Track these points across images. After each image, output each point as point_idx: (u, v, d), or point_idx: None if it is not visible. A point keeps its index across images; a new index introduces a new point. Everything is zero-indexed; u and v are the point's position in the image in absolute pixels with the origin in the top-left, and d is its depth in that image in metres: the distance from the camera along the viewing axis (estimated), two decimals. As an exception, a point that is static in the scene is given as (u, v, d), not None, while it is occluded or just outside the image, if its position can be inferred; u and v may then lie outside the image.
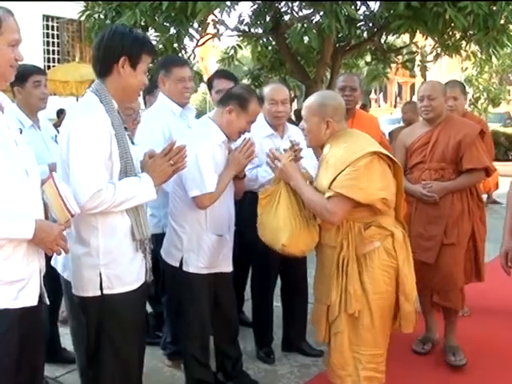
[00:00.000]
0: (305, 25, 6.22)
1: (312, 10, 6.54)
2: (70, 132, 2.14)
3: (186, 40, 6.70)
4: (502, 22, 5.87)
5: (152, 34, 6.39)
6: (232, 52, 7.90)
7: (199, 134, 2.87)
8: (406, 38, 7.75)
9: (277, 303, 3.71)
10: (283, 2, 7.04)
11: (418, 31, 5.97)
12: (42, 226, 1.90)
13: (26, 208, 1.89)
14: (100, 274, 2.21)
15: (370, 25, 7.25)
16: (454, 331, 3.52)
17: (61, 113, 9.91)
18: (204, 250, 2.86)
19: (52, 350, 3.26)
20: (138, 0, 5.85)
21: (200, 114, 4.32)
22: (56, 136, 3.25)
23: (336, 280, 2.53)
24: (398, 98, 31.69)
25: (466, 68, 14.37)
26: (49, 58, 15.23)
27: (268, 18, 7.19)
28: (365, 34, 7.47)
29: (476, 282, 3.61)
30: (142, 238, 2.28)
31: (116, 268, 2.23)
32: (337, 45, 7.43)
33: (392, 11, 6.06)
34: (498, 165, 4.55)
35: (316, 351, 3.57)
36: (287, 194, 2.62)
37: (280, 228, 2.57)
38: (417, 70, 8.87)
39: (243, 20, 7.35)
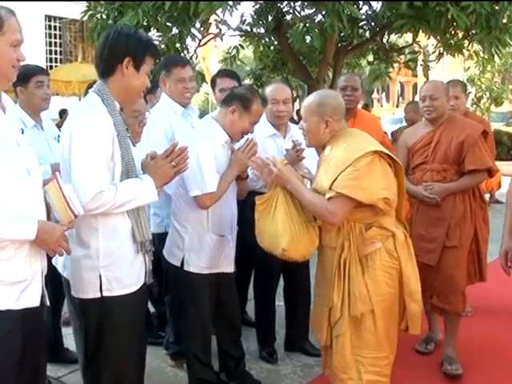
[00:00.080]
0: (307, 24, 6.21)
1: (314, 9, 6.55)
2: (72, 132, 2.13)
3: (188, 40, 6.73)
4: (504, 21, 5.88)
5: (154, 34, 6.40)
6: (234, 52, 7.92)
7: (202, 134, 2.86)
8: (408, 37, 7.77)
9: (279, 302, 3.71)
10: (285, 2, 7.05)
11: (420, 31, 5.97)
12: (45, 227, 1.89)
13: (27, 209, 1.89)
14: (100, 276, 2.20)
15: (373, 24, 7.26)
16: (454, 338, 3.41)
17: (63, 113, 9.94)
18: (205, 250, 2.85)
19: (55, 350, 3.26)
20: (140, 0, 5.85)
21: (202, 113, 4.32)
22: (59, 136, 3.25)
23: (337, 282, 2.50)
24: (401, 98, 31.63)
25: (469, 67, 14.39)
26: (51, 58, 15.27)
27: (270, 18, 7.21)
28: (367, 34, 7.48)
29: (478, 282, 3.58)
30: (143, 239, 2.27)
31: (116, 270, 2.21)
32: (339, 44, 7.44)
33: (394, 11, 6.07)
34: (500, 164, 4.53)
35: (319, 351, 3.55)
36: (284, 198, 2.57)
37: (279, 233, 2.52)
38: (419, 69, 8.89)
39: (245, 20, 7.37)
